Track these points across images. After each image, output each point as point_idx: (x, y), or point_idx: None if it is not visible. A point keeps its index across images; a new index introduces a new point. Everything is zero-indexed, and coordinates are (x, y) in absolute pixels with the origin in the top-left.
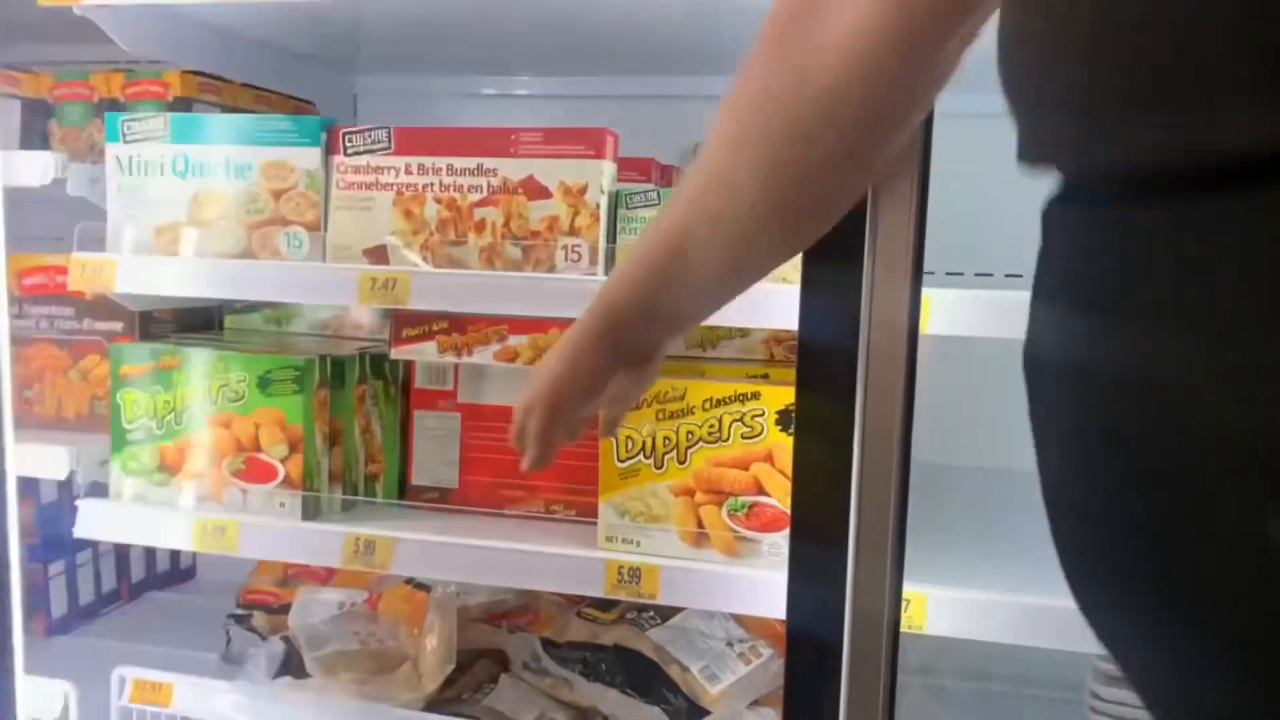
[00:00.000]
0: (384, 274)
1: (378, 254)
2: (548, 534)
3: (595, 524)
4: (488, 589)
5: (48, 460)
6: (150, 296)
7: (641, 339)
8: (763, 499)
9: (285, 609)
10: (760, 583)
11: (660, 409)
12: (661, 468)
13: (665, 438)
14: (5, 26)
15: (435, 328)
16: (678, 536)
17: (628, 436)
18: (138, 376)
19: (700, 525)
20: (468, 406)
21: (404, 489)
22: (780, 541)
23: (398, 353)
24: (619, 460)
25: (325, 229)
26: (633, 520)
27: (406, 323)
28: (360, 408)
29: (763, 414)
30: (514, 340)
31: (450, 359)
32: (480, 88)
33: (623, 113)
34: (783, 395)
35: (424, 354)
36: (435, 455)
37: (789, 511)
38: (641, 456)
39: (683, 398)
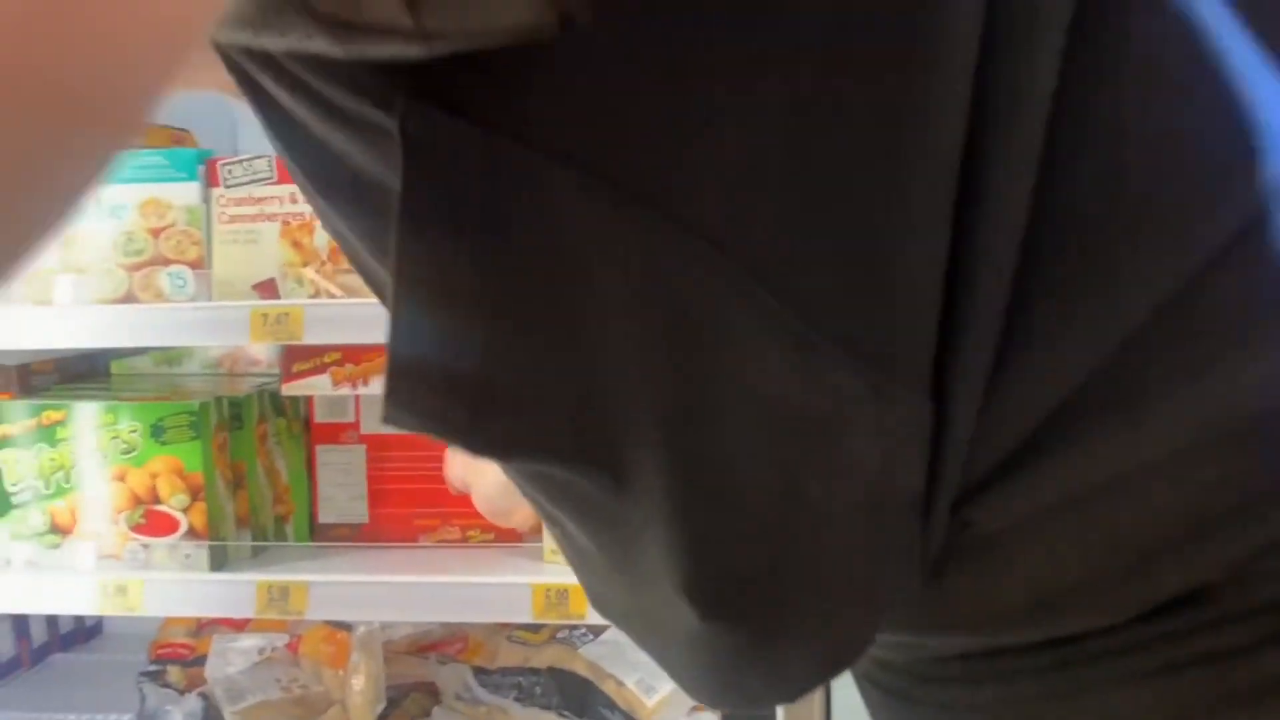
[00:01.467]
0: (275, 309)
1: (267, 288)
2: (468, 561)
3: (516, 546)
4: (413, 621)
5: None
6: (27, 350)
7: None
8: None
9: (201, 660)
10: None
11: None
12: None
13: None
14: None
15: (328, 359)
16: None
17: None
18: (19, 435)
19: None
20: (372, 438)
21: (313, 528)
22: None
23: (289, 389)
24: None
25: (210, 265)
26: None
27: (297, 357)
28: (263, 447)
29: None
30: None
31: (347, 391)
32: None
33: None
34: None
35: (317, 388)
36: (342, 490)
37: None
38: None
39: None
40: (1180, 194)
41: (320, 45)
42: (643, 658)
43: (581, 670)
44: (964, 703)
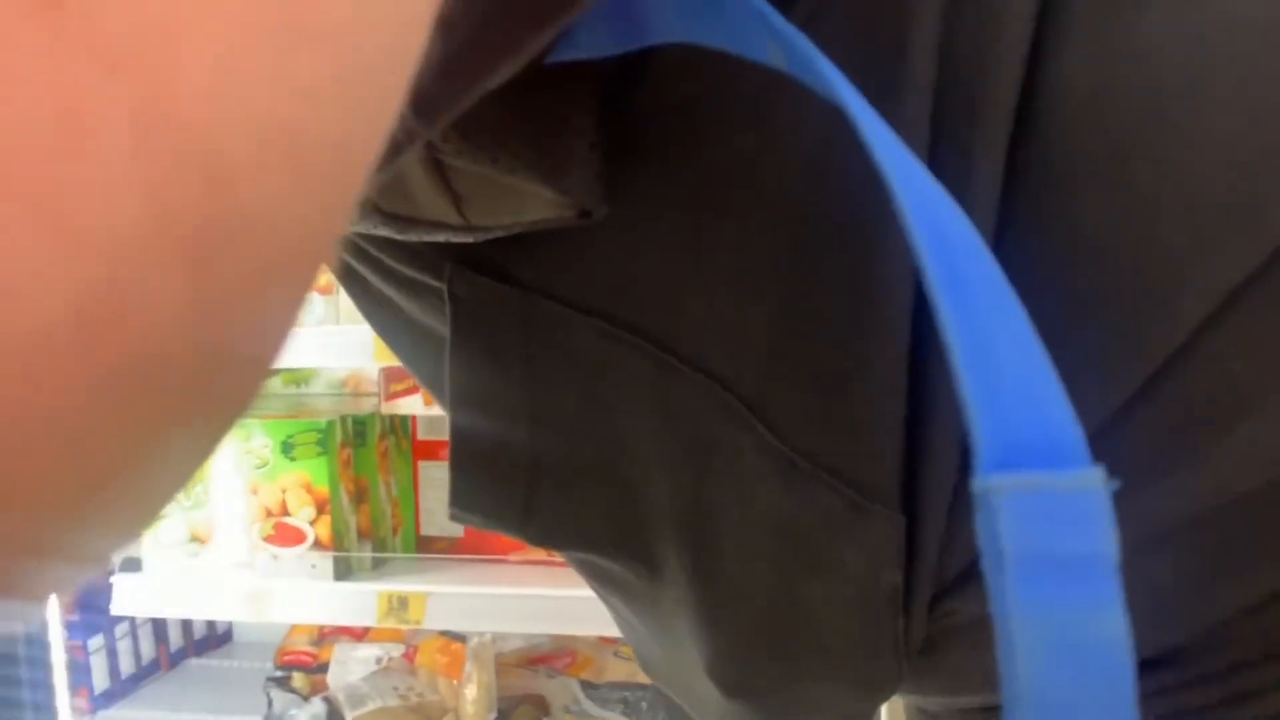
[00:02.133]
0: None
1: None
2: (557, 577)
3: None
4: (523, 634)
5: None
6: None
7: None
8: None
9: (323, 668)
10: None
11: None
12: None
13: None
14: None
15: None
16: None
17: None
18: None
19: None
20: None
21: (416, 540)
22: None
23: (389, 408)
24: None
25: (337, 291)
26: None
27: (394, 378)
28: (383, 464)
29: None
30: None
31: (439, 410)
32: None
33: None
34: None
35: (414, 407)
36: (442, 505)
37: None
38: None
39: None
40: (1127, 311)
41: (386, 231)
42: None
43: None
44: None
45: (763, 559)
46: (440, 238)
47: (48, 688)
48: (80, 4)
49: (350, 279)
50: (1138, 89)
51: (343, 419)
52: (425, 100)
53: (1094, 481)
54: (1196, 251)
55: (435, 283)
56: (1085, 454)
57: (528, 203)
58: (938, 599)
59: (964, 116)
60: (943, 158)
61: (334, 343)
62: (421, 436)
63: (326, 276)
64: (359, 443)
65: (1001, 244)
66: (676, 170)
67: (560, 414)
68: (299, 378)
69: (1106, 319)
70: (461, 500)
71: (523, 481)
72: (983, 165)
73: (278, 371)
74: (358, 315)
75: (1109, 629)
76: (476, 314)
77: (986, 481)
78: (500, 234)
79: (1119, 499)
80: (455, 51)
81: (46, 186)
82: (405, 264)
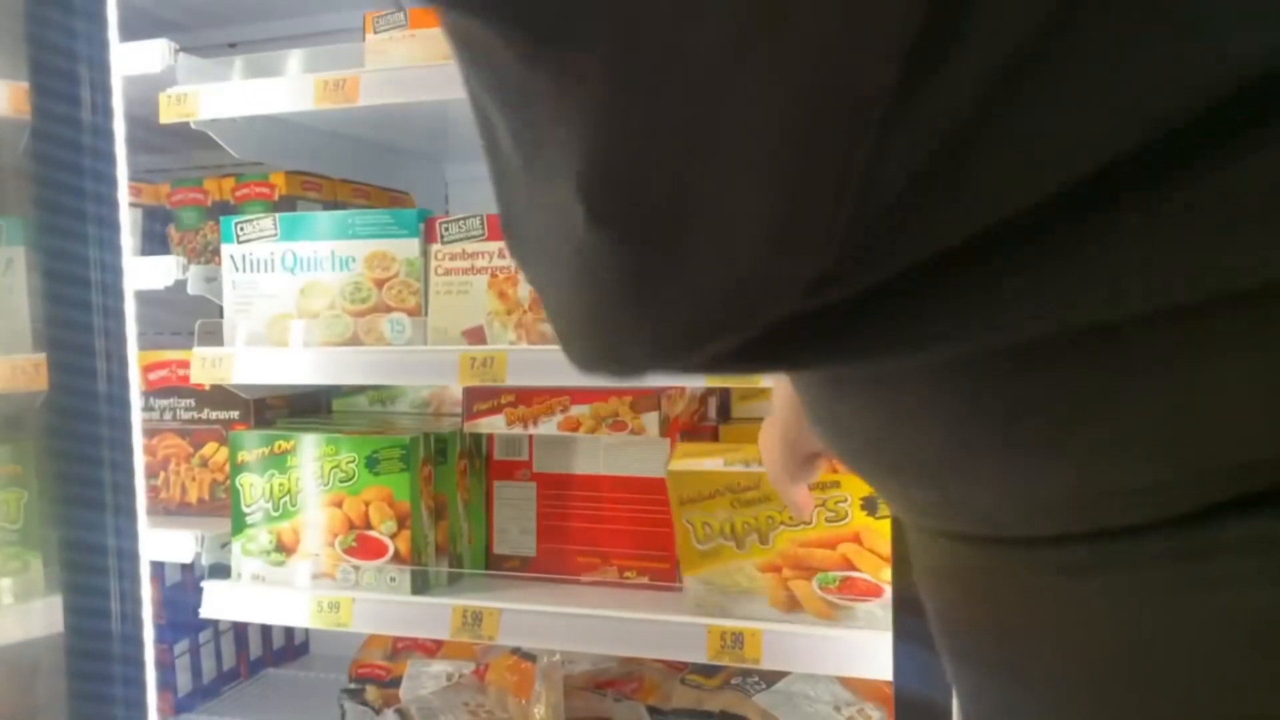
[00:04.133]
0: (482, 353)
1: (475, 334)
2: (625, 600)
3: (672, 588)
4: (591, 657)
5: (175, 544)
6: (263, 385)
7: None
8: (854, 574)
9: (396, 682)
10: (863, 644)
11: (735, 498)
12: (744, 548)
13: (744, 522)
14: (128, 141)
15: (504, 401)
16: (768, 603)
17: (704, 523)
18: (254, 462)
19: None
20: (542, 476)
21: (488, 558)
22: (875, 610)
23: (470, 427)
24: (698, 543)
25: (426, 313)
26: (722, 591)
27: (478, 398)
28: (462, 481)
29: (846, 500)
30: (576, 410)
31: (519, 430)
32: None
33: None
34: (863, 484)
35: (494, 427)
36: (515, 524)
37: (881, 583)
38: (721, 539)
39: (758, 486)
40: None
41: None
42: (815, 711)
43: (754, 716)
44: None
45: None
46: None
47: (140, 684)
48: None
49: None
50: None
51: (425, 436)
52: None
53: None
54: None
55: None
56: None
57: None
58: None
59: None
60: None
61: (422, 362)
62: (498, 456)
63: (415, 299)
64: (440, 460)
65: None
66: None
67: None
68: (384, 396)
69: None
70: None
71: None
72: None
73: (365, 389)
74: (445, 337)
75: None
76: None
77: None
78: None
79: None
80: None
81: None
82: None
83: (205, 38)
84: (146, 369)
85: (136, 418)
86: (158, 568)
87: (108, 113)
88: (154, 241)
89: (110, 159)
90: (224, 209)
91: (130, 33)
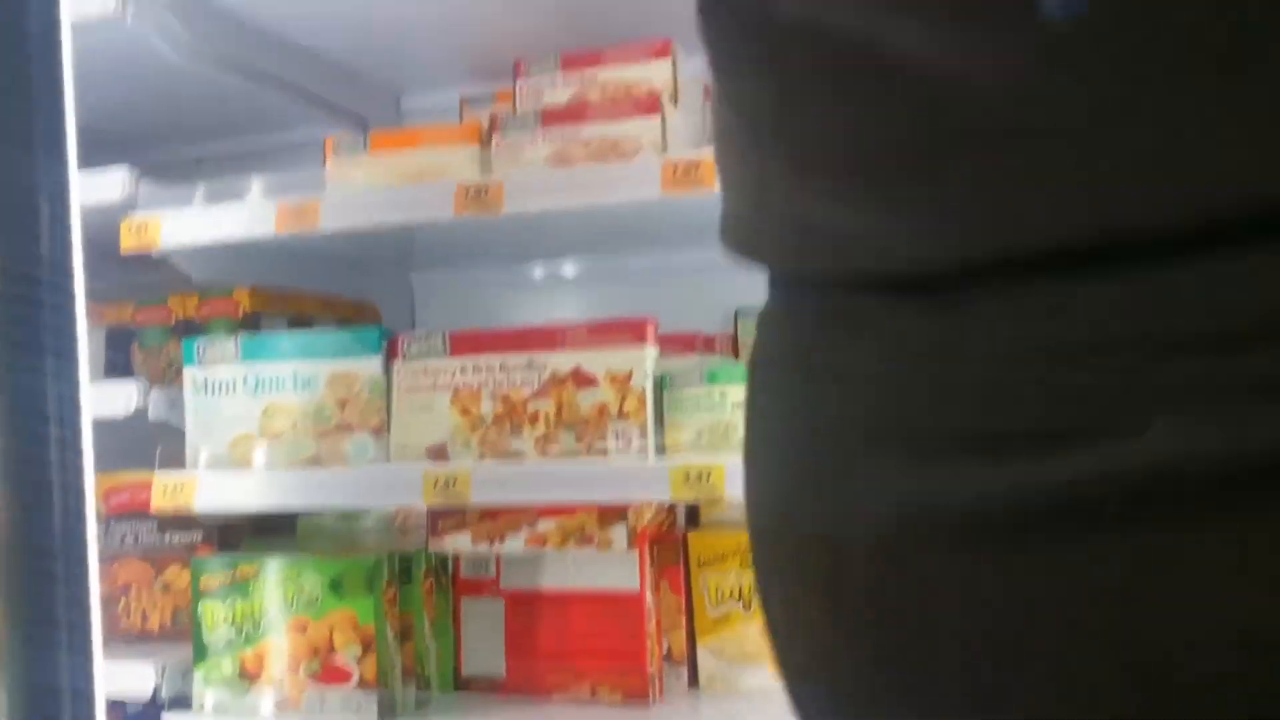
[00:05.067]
0: (445, 472)
1: (438, 451)
2: (597, 718)
3: (644, 704)
4: None
5: (135, 676)
6: (224, 512)
7: None
8: None
9: None
10: None
11: (743, 558)
12: (750, 610)
13: (750, 585)
14: (88, 269)
15: (469, 518)
16: (770, 670)
17: (716, 587)
18: (217, 588)
19: None
20: (510, 593)
21: (456, 679)
22: None
23: (435, 544)
24: (710, 608)
25: (389, 431)
26: (729, 663)
27: (442, 514)
28: (429, 601)
29: None
30: (542, 525)
31: (484, 548)
32: (529, 273)
33: (669, 286)
34: None
35: (460, 545)
36: (484, 643)
37: None
38: (730, 602)
39: None
40: None
41: None
42: None
43: None
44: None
45: None
46: None
47: None
48: None
49: None
50: None
51: (390, 557)
52: None
53: None
54: None
55: None
56: None
57: None
58: None
59: None
60: None
61: (383, 483)
62: (465, 575)
63: (378, 417)
64: (405, 580)
65: None
66: None
67: None
68: (350, 513)
69: None
70: None
71: None
72: None
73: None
74: (408, 454)
75: None
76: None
77: None
78: None
79: None
80: None
81: None
82: None
83: (173, 153)
84: (107, 493)
85: (93, 553)
86: (117, 702)
87: (66, 247)
88: (118, 362)
89: (68, 293)
90: (189, 327)
91: (97, 150)
